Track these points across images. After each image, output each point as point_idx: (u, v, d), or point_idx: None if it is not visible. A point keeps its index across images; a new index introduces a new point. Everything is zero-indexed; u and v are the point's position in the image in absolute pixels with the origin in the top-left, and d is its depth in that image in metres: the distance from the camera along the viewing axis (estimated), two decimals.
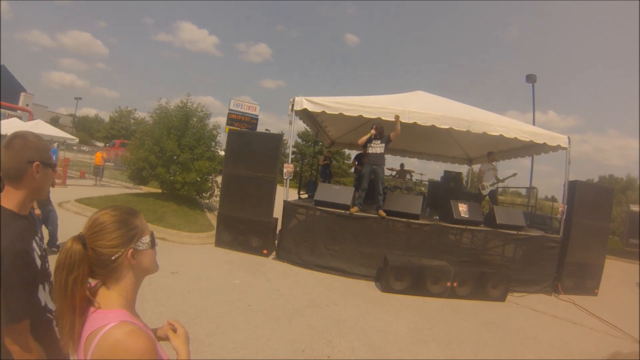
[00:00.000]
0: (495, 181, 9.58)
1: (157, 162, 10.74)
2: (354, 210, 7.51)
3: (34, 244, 1.37)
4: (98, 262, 1.08)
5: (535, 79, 16.99)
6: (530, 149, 9.69)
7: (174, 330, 1.23)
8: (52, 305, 1.35)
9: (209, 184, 11.93)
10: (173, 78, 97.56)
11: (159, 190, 12.21)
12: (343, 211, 7.43)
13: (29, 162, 1.35)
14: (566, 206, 8.08)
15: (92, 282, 1.12)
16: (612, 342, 5.60)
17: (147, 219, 1.24)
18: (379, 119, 7.67)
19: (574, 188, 8.21)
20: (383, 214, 7.50)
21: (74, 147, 25.97)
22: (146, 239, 1.17)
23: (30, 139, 1.39)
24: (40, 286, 1.35)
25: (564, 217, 8.11)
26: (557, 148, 8.33)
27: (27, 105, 40.50)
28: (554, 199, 10.72)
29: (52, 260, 1.09)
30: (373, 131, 7.56)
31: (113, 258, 1.09)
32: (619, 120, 74.45)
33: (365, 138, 7.68)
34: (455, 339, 4.93)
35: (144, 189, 13.72)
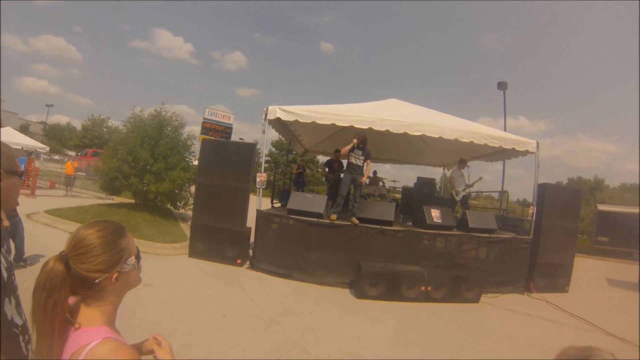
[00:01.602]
0: (465, 187, 9.82)
1: (130, 171, 10.52)
2: (334, 218, 7.53)
3: (0, 256, 1.33)
4: (80, 283, 1.05)
5: (507, 86, 17.44)
6: (501, 154, 9.94)
7: (159, 344, 1.22)
8: (18, 320, 1.29)
9: (183, 194, 11.76)
10: (148, 86, 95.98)
11: (132, 201, 11.95)
12: (316, 219, 7.45)
13: None
14: (536, 208, 8.32)
15: (71, 298, 1.09)
16: (585, 336, 5.77)
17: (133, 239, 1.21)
18: (352, 126, 7.74)
19: (543, 191, 8.47)
20: (356, 221, 7.54)
21: (44, 156, 25.19)
22: (132, 260, 1.13)
23: None
24: (7, 299, 1.30)
25: (534, 218, 8.34)
26: (526, 152, 8.60)
27: None
28: (525, 202, 11.07)
29: (19, 275, 1.04)
30: (355, 141, 7.59)
31: (96, 282, 1.05)
32: (587, 124, 77.35)
33: (348, 148, 7.71)
34: (432, 341, 4.98)
35: (117, 199, 13.42)
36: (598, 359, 0.83)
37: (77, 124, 53.78)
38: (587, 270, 12.14)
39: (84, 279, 1.04)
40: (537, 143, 8.38)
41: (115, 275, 1.07)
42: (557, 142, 74.69)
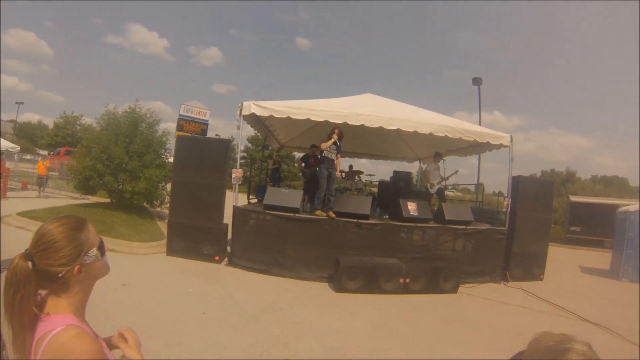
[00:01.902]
0: (441, 179, 9.98)
1: (104, 170, 10.28)
2: (320, 213, 7.59)
3: None
4: (45, 278, 1.07)
5: (481, 81, 17.77)
6: (476, 147, 10.10)
7: (125, 340, 1.23)
8: None
9: (160, 192, 11.56)
10: (122, 82, 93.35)
11: (108, 200, 11.69)
12: (293, 214, 7.44)
13: None
14: (510, 200, 8.53)
15: (42, 291, 1.11)
16: (560, 322, 5.98)
17: (96, 230, 1.21)
18: (327, 121, 7.75)
19: (517, 183, 8.70)
20: (333, 215, 7.58)
21: (16, 156, 24.33)
22: (93, 251, 1.15)
23: None
24: None
25: (509, 210, 8.55)
26: (500, 146, 8.77)
27: None
28: (500, 194, 11.33)
29: None
30: (335, 136, 7.66)
31: (60, 275, 1.07)
32: (559, 119, 79.69)
33: (329, 143, 7.74)
34: (412, 332, 5.05)
35: (92, 199, 13.10)
36: (575, 347, 0.82)
37: (49, 122, 51.92)
38: (561, 258, 12.56)
39: (48, 273, 1.07)
40: (511, 137, 8.56)
41: (77, 268, 1.09)
42: (530, 137, 76.75)
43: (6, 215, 9.29)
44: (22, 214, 9.47)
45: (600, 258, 13.17)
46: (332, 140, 7.68)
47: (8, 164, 18.62)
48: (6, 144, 23.38)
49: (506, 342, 4.95)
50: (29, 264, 1.05)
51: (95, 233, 1.19)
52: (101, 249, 1.18)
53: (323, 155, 7.94)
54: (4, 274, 1.05)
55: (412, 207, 7.95)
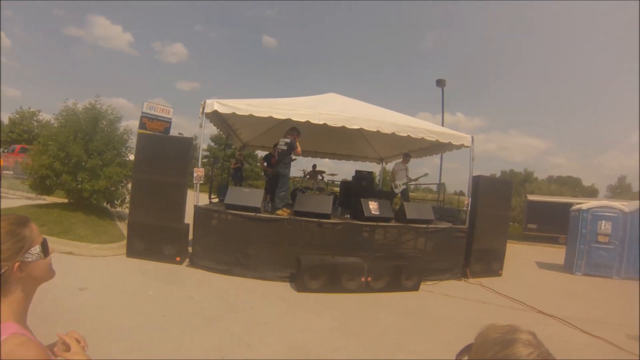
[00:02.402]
0: (407, 180, 10.21)
1: (62, 169, 9.82)
2: (282, 212, 7.65)
3: None
4: None
5: (445, 83, 18.20)
6: (438, 147, 10.36)
7: (67, 348, 1.15)
8: None
9: (120, 191, 11.21)
10: (83, 77, 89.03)
11: (66, 200, 11.20)
12: (254, 214, 7.41)
13: None
14: (470, 199, 8.83)
15: None
16: (518, 315, 6.26)
17: (52, 232, 1.20)
18: (289, 119, 7.78)
19: (477, 182, 8.99)
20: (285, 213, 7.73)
21: None
22: (36, 249, 1.11)
23: None
24: None
25: (469, 209, 8.84)
26: (462, 146, 9.03)
27: None
28: (461, 193, 11.77)
29: None
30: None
31: None
32: (519, 121, 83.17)
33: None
34: (376, 330, 5.13)
35: (49, 199, 12.47)
36: (520, 337, 0.84)
37: (4, 118, 49.11)
38: (519, 254, 13.10)
39: None
40: (472, 138, 8.85)
41: (17, 265, 1.06)
42: (491, 137, 79.50)
43: None
44: None
45: (555, 254, 13.88)
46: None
47: None
48: None
49: (466, 336, 5.08)
50: None
51: (38, 232, 1.15)
52: (44, 248, 1.14)
53: (279, 151, 8.24)
54: None
55: (373, 206, 8.06)
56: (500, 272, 9.20)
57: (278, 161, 8.40)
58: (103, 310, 4.84)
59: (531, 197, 22.28)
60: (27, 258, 1.09)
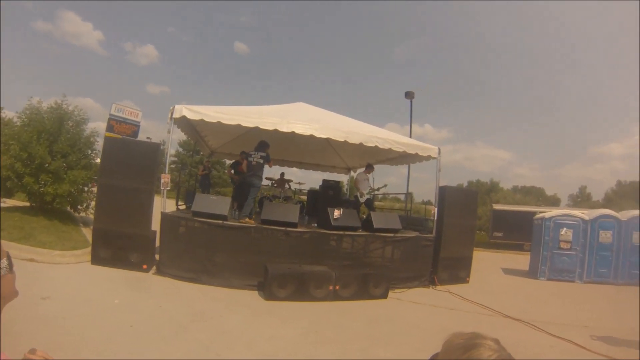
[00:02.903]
0: (370, 190, 10.40)
1: (24, 170, 9.45)
2: (248, 221, 7.65)
3: None
4: None
5: (414, 95, 18.53)
6: (405, 158, 10.58)
7: None
8: None
9: (85, 195, 10.88)
10: (50, 74, 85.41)
11: (27, 204, 10.76)
12: (221, 221, 7.39)
13: None
14: (437, 208, 9.07)
15: None
16: (485, 320, 6.47)
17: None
18: (257, 127, 7.80)
19: (444, 192, 9.27)
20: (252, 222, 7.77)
21: None
22: (4, 262, 1.05)
23: None
24: None
25: (436, 218, 9.09)
26: (429, 157, 9.29)
27: None
28: (429, 203, 12.08)
29: None
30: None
31: None
32: (484, 133, 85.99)
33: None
34: (344, 337, 5.17)
35: (9, 202, 11.95)
36: (483, 342, 0.88)
37: None
38: (485, 262, 13.54)
39: None
40: (439, 149, 9.12)
41: None
42: (458, 148, 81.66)
43: None
44: None
45: (520, 260, 14.48)
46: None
47: None
48: None
49: (435, 342, 5.19)
50: None
51: (1, 246, 1.10)
52: (10, 262, 1.09)
53: (254, 164, 8.31)
54: None
55: (338, 214, 8.14)
56: (468, 279, 9.48)
57: (252, 173, 8.51)
58: (67, 321, 4.67)
59: (497, 207, 23.14)
60: None
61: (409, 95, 18.41)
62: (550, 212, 12.24)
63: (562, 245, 11.25)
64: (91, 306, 5.30)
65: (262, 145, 8.62)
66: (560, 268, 11.22)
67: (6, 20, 76.97)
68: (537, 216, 12.52)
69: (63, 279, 6.42)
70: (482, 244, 19.77)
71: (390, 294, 7.44)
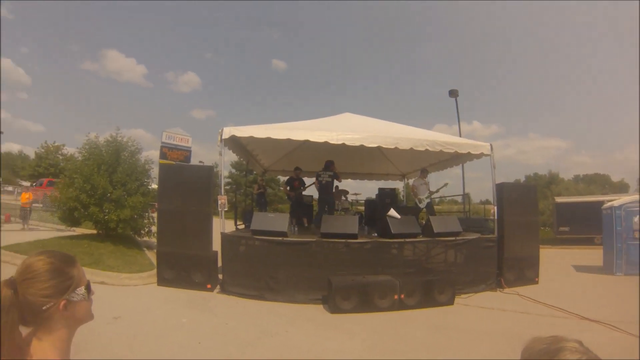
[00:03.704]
0: (429, 194, 10.07)
1: (89, 201, 10.11)
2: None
3: None
4: (28, 309, 1.03)
5: (457, 93, 18.06)
6: (458, 158, 10.27)
7: None
8: None
9: (145, 220, 11.42)
10: (102, 110, 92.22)
11: (94, 231, 11.47)
12: (281, 238, 7.41)
13: None
14: (496, 207, 8.63)
15: (24, 330, 1.05)
16: (559, 323, 5.97)
17: (83, 263, 1.20)
18: (307, 140, 7.82)
19: (501, 190, 8.82)
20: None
21: None
22: (81, 290, 1.11)
23: None
24: None
25: (496, 217, 8.65)
26: (481, 155, 8.95)
27: None
28: (487, 202, 11.57)
29: None
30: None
31: (44, 308, 1.03)
32: (536, 124, 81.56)
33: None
34: (411, 348, 4.99)
35: (78, 231, 12.82)
36: (566, 345, 0.83)
37: (30, 152, 51.14)
38: (553, 260, 12.66)
39: (32, 304, 1.03)
40: (491, 145, 8.74)
41: (62, 303, 1.05)
42: (510, 143, 78.19)
43: None
44: (6, 248, 9.18)
45: (592, 255, 13.28)
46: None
47: None
48: None
49: (506, 349, 4.90)
50: (12, 292, 1.01)
51: (84, 273, 1.17)
52: (88, 289, 1.15)
53: (324, 182, 9.19)
54: None
55: (397, 215, 8.02)
56: (536, 279, 8.87)
57: (326, 191, 9.57)
58: (137, 339, 4.87)
59: (559, 199, 21.63)
60: (73, 298, 1.09)
61: (452, 93, 17.92)
62: (620, 200, 11.18)
63: (637, 235, 10.18)
64: (159, 325, 5.49)
65: (329, 165, 9.52)
66: (637, 261, 10.13)
67: (58, 64, 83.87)
68: (606, 205, 11.47)
69: (132, 299, 6.74)
70: (548, 240, 18.56)
71: (457, 299, 7.12)
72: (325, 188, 9.56)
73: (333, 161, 9.57)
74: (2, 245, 9.37)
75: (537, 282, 8.79)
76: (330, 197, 9.39)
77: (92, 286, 1.17)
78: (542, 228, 16.92)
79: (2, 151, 50.11)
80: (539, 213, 10.57)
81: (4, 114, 79.61)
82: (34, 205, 18.33)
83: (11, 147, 58.45)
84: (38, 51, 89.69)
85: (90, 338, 4.35)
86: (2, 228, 14.78)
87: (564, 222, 19.53)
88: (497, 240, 8.49)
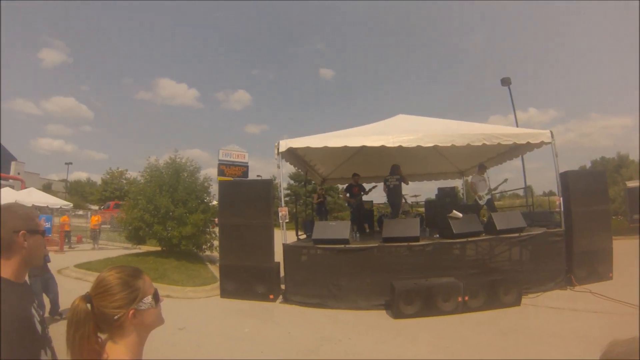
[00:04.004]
0: (489, 190, 9.67)
1: (152, 220, 10.72)
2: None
3: (33, 310, 1.38)
4: (103, 319, 1.16)
5: (510, 81, 17.26)
6: (516, 149, 9.84)
7: None
8: None
9: (207, 236, 11.88)
10: (158, 134, 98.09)
11: (158, 248, 12.11)
12: (343, 245, 7.42)
13: (15, 232, 1.37)
14: (562, 198, 8.11)
15: (103, 336, 1.19)
16: (636, 322, 5.39)
17: (149, 278, 1.29)
18: (364, 146, 7.81)
19: (566, 179, 8.26)
20: None
21: (69, 212, 25.91)
22: (148, 299, 1.22)
23: (15, 209, 1.42)
24: (42, 351, 1.35)
25: (563, 209, 8.11)
26: (542, 144, 8.51)
27: (19, 173, 40.41)
28: (551, 193, 10.89)
29: (56, 327, 1.12)
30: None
31: (116, 317, 1.15)
32: (598, 102, 75.44)
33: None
34: (476, 352, 4.81)
35: (143, 248, 13.61)
36: None
37: (97, 179, 55.13)
38: (628, 252, 11.57)
39: (105, 315, 1.16)
40: (551, 132, 8.22)
41: (132, 312, 1.17)
42: (571, 127, 73.04)
43: (64, 268, 9.85)
44: (78, 266, 10.02)
45: None
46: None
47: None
48: (60, 202, 25.00)
49: (580, 352, 4.58)
50: (88, 305, 1.15)
51: (151, 283, 1.28)
52: (156, 298, 1.26)
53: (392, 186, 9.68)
54: (64, 323, 1.15)
55: (459, 216, 7.77)
56: (611, 274, 8.15)
57: (394, 194, 10.02)
58: (202, 349, 5.08)
59: (631, 184, 19.81)
60: (141, 307, 1.20)
61: (505, 81, 17.18)
62: None
63: None
64: (223, 335, 5.69)
65: (395, 169, 9.93)
66: None
67: (115, 97, 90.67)
68: None
69: (196, 311, 7.03)
70: (622, 230, 17.01)
71: (523, 299, 6.74)
72: (393, 191, 9.89)
73: (399, 165, 9.90)
74: (74, 264, 10.19)
75: (611, 278, 8.08)
76: (399, 200, 9.70)
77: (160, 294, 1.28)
78: (614, 217, 15.57)
79: (72, 179, 54.66)
80: (609, 201, 9.73)
81: (71, 147, 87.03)
82: (102, 226, 19.71)
83: (80, 175, 63.62)
84: (97, 88, 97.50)
85: (157, 347, 4.59)
86: (75, 248, 16.11)
87: (638, 209, 17.87)
88: (565, 234, 7.96)
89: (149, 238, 11.60)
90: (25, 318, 1.30)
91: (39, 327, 1.35)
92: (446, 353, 4.83)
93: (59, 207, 22.56)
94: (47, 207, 23.07)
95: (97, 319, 1.16)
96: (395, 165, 9.81)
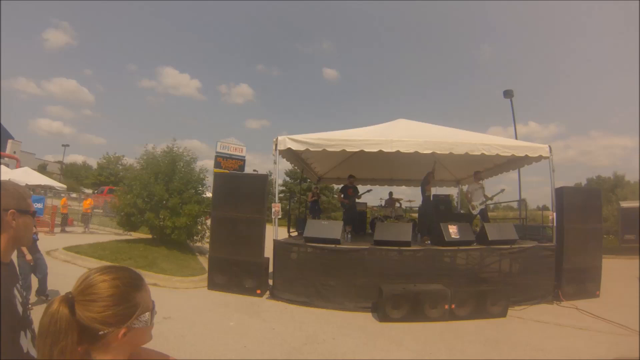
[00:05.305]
0: (484, 199, 9.67)
1: (145, 206, 10.65)
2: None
3: (15, 291, 1.33)
4: (83, 332, 0.94)
5: (513, 93, 17.36)
6: (514, 162, 9.87)
7: None
8: (34, 352, 1.27)
9: (199, 227, 11.83)
10: (158, 123, 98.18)
11: (149, 236, 12.05)
12: (334, 245, 7.40)
13: (4, 210, 1.31)
14: (555, 213, 8.13)
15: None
16: (620, 341, 5.51)
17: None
18: (362, 151, 7.84)
19: (561, 194, 8.29)
20: None
21: (63, 195, 25.76)
22: (145, 316, 1.02)
23: (7, 187, 1.36)
24: (22, 333, 1.28)
25: (555, 224, 8.14)
26: (540, 158, 8.50)
27: (15, 152, 40.30)
28: (545, 208, 10.89)
29: (41, 309, 0.96)
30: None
31: (100, 334, 0.94)
32: (599, 121, 75.92)
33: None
34: None
35: (134, 235, 13.55)
36: None
37: (93, 163, 55.07)
38: (617, 271, 11.64)
39: (87, 328, 0.94)
40: (550, 147, 8.26)
41: (123, 331, 0.96)
42: (570, 143, 73.40)
43: (53, 250, 9.77)
44: (68, 249, 9.92)
45: None
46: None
47: (55, 202, 19.64)
48: (54, 183, 24.88)
49: None
50: (68, 311, 0.93)
51: (149, 294, 1.07)
52: (152, 315, 1.06)
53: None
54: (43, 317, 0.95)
55: (453, 230, 7.76)
56: (598, 292, 8.23)
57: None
58: (186, 339, 5.06)
59: (625, 204, 19.88)
60: (135, 324, 0.99)
61: (507, 94, 17.26)
62: None
63: None
64: (207, 327, 5.66)
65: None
66: None
67: (118, 83, 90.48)
68: None
69: (182, 301, 6.98)
70: (612, 249, 17.11)
71: (510, 311, 6.78)
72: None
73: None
74: (63, 246, 10.11)
75: (598, 296, 8.15)
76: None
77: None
78: (605, 236, 15.65)
79: (68, 162, 54.37)
80: (602, 220, 9.78)
81: (70, 129, 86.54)
82: (94, 210, 19.61)
83: (76, 158, 63.29)
84: (100, 72, 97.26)
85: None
86: (66, 230, 16.05)
87: (631, 229, 17.90)
88: (556, 249, 8.00)
89: (141, 225, 11.54)
90: (5, 299, 1.25)
91: (20, 308, 1.32)
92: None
93: (51, 188, 22.36)
94: (41, 187, 22.99)
95: (79, 328, 0.93)
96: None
